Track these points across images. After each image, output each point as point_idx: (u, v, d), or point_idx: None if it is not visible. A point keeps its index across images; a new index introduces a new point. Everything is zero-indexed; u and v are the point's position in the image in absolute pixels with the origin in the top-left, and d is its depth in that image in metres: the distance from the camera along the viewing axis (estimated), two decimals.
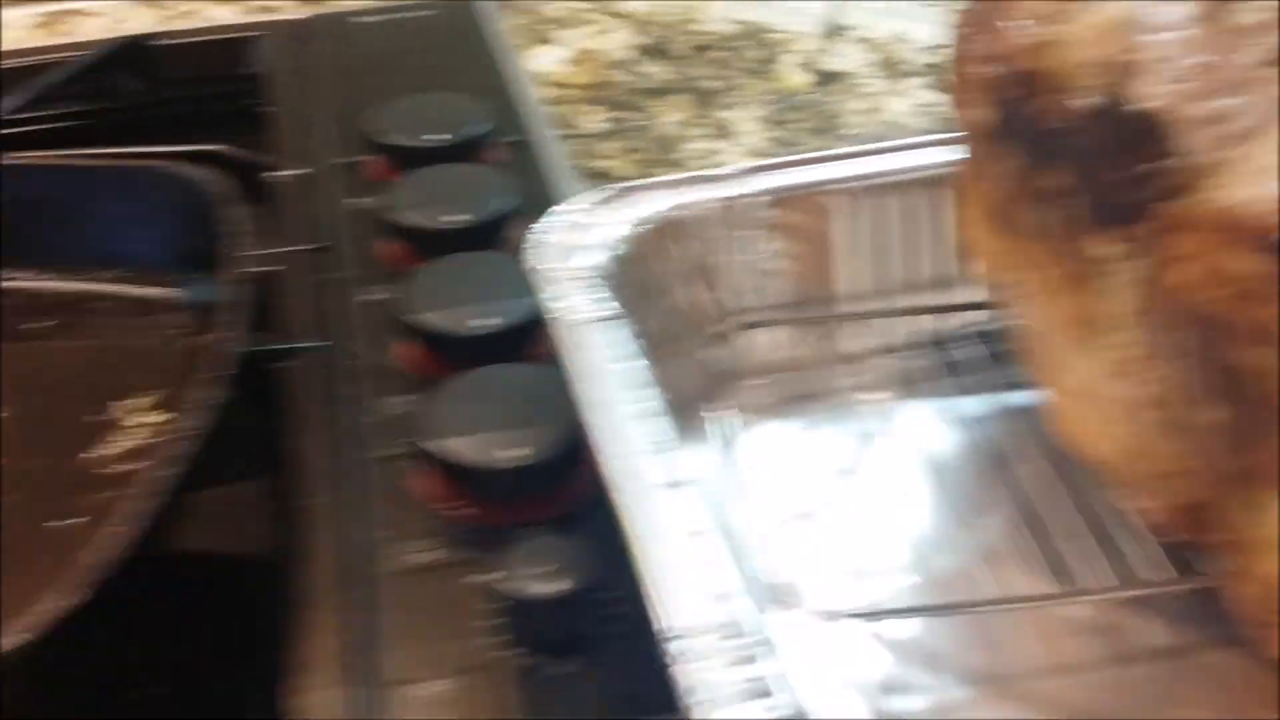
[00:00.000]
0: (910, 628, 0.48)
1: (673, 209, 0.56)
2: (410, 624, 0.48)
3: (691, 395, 0.56)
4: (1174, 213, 0.39)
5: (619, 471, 0.44)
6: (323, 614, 0.49)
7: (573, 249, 0.54)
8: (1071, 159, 0.43)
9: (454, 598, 0.49)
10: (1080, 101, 0.42)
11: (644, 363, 0.51)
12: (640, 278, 0.55)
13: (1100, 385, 0.44)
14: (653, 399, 0.49)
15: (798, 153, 0.70)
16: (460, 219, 0.65)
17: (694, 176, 0.57)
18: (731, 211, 0.56)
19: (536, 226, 0.55)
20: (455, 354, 0.58)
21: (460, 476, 0.52)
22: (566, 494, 0.52)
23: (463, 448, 0.52)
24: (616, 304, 0.52)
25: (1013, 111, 0.45)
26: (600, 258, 0.53)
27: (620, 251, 0.54)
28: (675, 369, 0.55)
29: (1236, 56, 0.39)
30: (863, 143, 0.71)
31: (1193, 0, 0.42)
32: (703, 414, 0.56)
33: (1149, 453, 0.44)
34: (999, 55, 0.45)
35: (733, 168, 0.57)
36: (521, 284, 0.60)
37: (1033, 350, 0.50)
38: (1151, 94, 0.40)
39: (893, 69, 0.83)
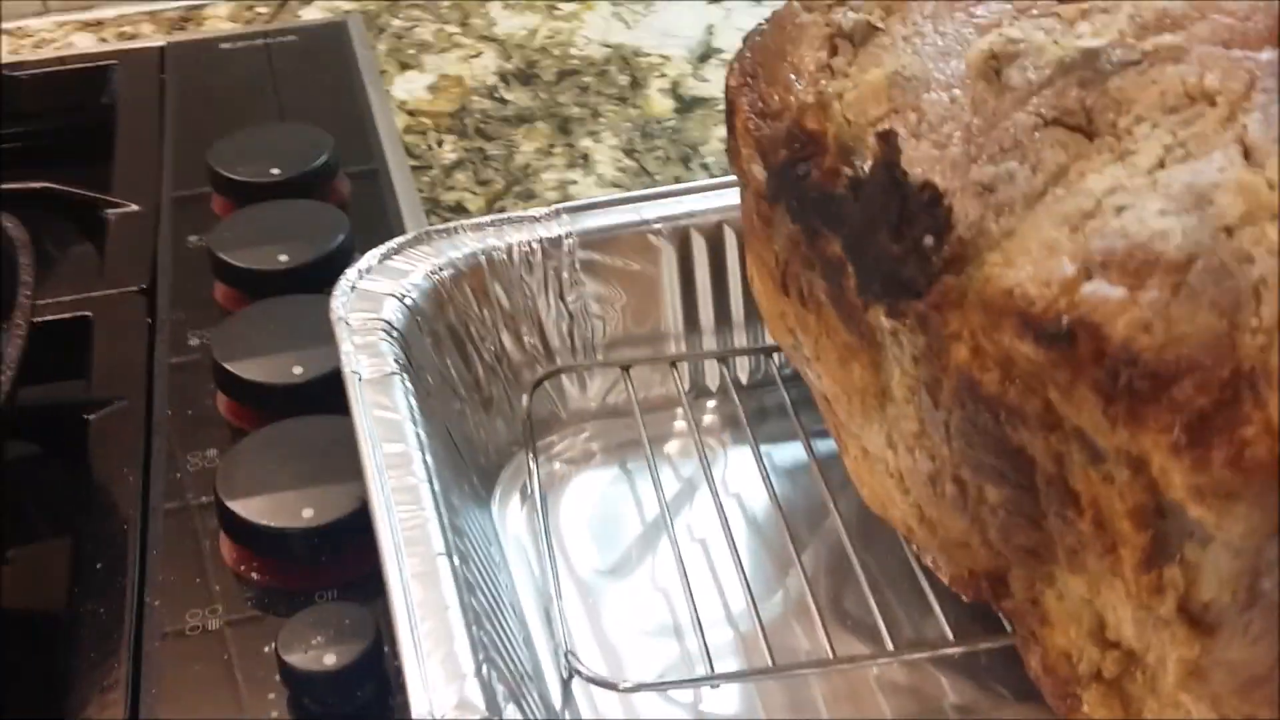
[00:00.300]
0: (714, 693, 0.46)
1: (482, 251, 0.54)
2: (190, 688, 0.47)
3: (500, 447, 0.54)
4: (948, 289, 0.36)
5: (392, 542, 0.43)
6: (101, 674, 0.47)
7: (378, 297, 0.52)
8: (842, 227, 0.40)
9: (236, 663, 0.47)
10: (849, 168, 0.39)
11: (441, 419, 0.50)
12: (445, 325, 0.53)
13: (886, 454, 0.42)
14: (443, 458, 0.47)
15: (617, 192, 0.69)
16: (285, 259, 0.63)
17: (505, 218, 0.55)
18: (542, 254, 0.54)
19: (347, 273, 0.53)
20: (266, 405, 0.56)
21: (253, 537, 0.50)
22: (363, 557, 0.50)
23: (254, 509, 0.50)
24: (415, 355, 0.50)
25: (782, 173, 0.42)
26: (401, 307, 0.51)
27: (422, 299, 0.52)
28: (482, 421, 0.54)
29: (1008, 120, 0.37)
30: (681, 181, 0.70)
31: (969, 58, 0.39)
32: (510, 467, 0.54)
33: (938, 522, 0.42)
34: (768, 112, 0.42)
35: (544, 210, 0.55)
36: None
37: (825, 410, 0.48)
38: (922, 160, 0.37)
39: None
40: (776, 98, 0.42)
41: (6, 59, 0.87)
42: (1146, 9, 0.37)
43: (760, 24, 0.47)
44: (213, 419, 0.58)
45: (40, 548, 0.58)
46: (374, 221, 0.70)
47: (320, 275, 0.63)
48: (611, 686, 0.45)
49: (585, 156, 0.76)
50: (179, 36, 0.90)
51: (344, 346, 0.49)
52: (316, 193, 0.70)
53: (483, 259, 0.54)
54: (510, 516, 0.53)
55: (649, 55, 0.87)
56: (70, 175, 0.74)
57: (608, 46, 0.88)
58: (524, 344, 0.55)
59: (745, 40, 0.47)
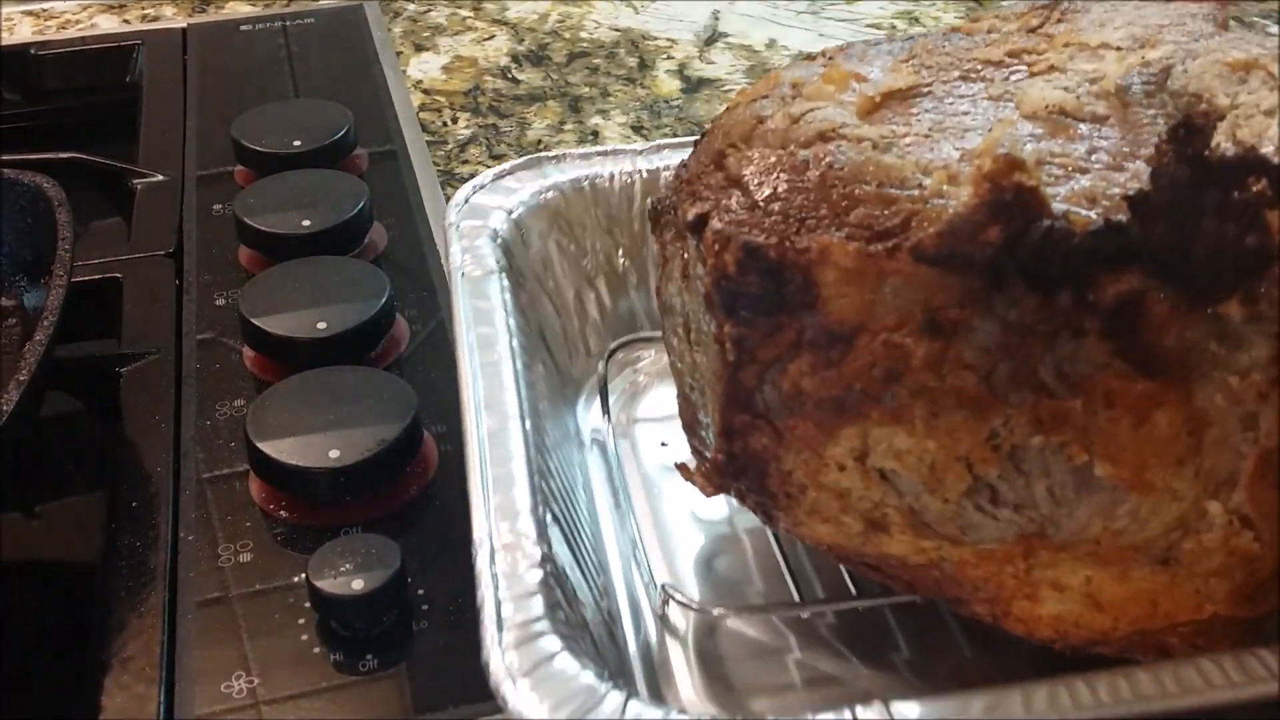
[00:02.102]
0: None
1: (585, 178, 0.58)
2: (223, 615, 0.49)
3: (588, 355, 0.59)
4: None
5: (473, 402, 0.47)
6: (138, 615, 0.49)
7: (487, 210, 0.57)
8: (1137, 252, 0.38)
9: (267, 592, 0.50)
10: (1109, 198, 0.39)
11: (536, 321, 0.55)
12: (546, 240, 0.58)
13: (1198, 509, 0.41)
14: (531, 349, 0.52)
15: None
16: (308, 224, 0.65)
17: (610, 150, 0.59)
18: (640, 184, 0.58)
19: (463, 188, 0.58)
20: (291, 358, 0.59)
21: (282, 477, 0.52)
22: (387, 497, 0.53)
23: (283, 450, 0.52)
24: (516, 262, 0.55)
25: (1007, 250, 0.38)
26: (507, 219, 0.56)
27: (527, 215, 0.57)
28: (573, 329, 0.58)
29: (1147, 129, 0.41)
30: None
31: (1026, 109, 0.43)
32: (595, 376, 0.58)
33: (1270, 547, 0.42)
34: (884, 231, 0.39)
35: (645, 144, 0.60)
36: (362, 288, 0.61)
37: (989, 573, 0.45)
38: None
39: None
40: (883, 213, 0.39)
41: (33, 39, 0.89)
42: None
43: (728, 200, 0.43)
44: (239, 373, 0.60)
45: (75, 501, 0.61)
46: (391, 191, 0.72)
47: (341, 239, 0.66)
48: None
49: (595, 133, 0.79)
50: (200, 18, 0.93)
51: (452, 249, 0.54)
52: (336, 164, 0.72)
53: (586, 185, 0.58)
54: (591, 419, 0.57)
55: (657, 39, 0.89)
56: (98, 151, 0.77)
57: (616, 30, 0.91)
58: (617, 265, 0.58)
59: (710, 217, 0.42)
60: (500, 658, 0.39)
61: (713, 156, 0.44)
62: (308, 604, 0.48)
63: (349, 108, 0.76)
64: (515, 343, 0.50)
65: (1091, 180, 0.39)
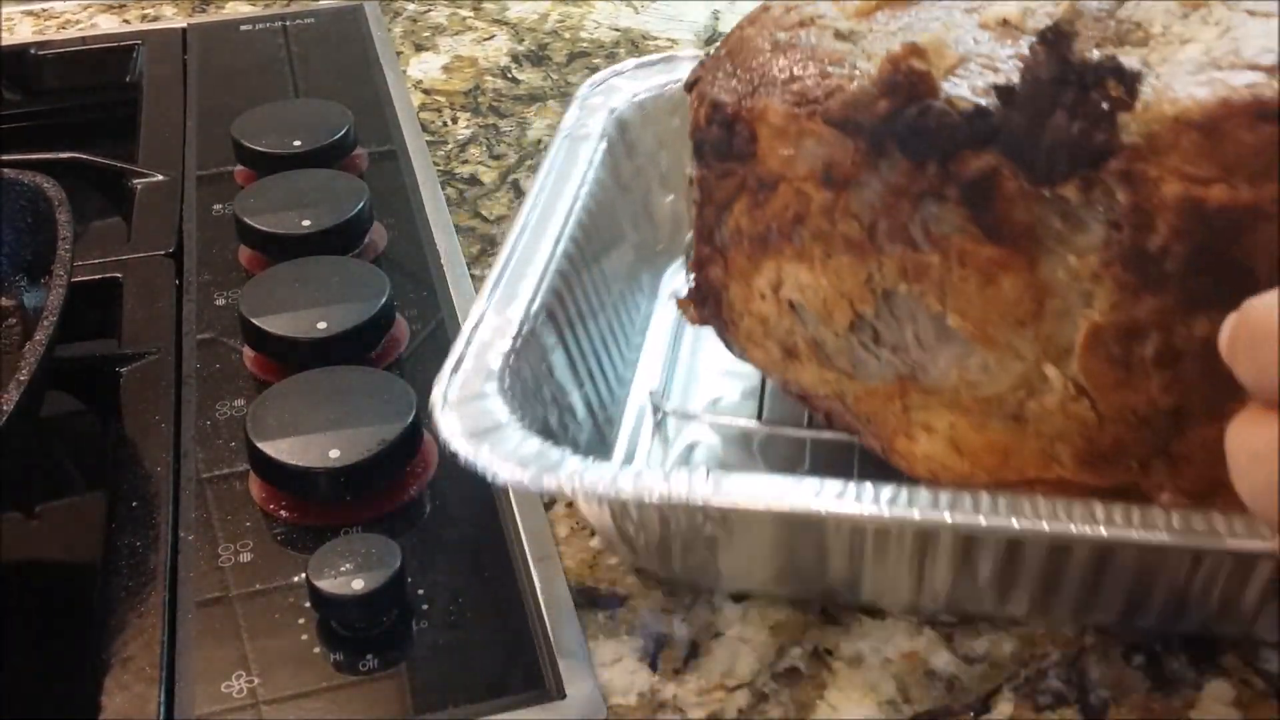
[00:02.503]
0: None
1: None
2: (223, 614, 0.49)
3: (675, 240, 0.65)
4: (1139, 144, 0.42)
5: (521, 223, 0.55)
6: (138, 615, 0.49)
7: (597, 107, 0.64)
8: (996, 135, 0.43)
9: (267, 592, 0.50)
10: (980, 86, 0.45)
11: (632, 192, 0.63)
12: (650, 133, 0.64)
13: (1032, 375, 0.46)
14: (607, 205, 0.60)
15: None
16: (308, 224, 0.65)
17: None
18: None
19: (581, 87, 0.65)
20: (291, 358, 0.59)
21: (282, 477, 0.53)
22: (387, 497, 0.53)
23: (284, 450, 0.52)
24: (621, 145, 0.63)
25: (889, 121, 0.45)
26: (611, 113, 0.63)
27: (628, 111, 0.64)
28: (664, 212, 0.65)
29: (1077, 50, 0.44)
30: None
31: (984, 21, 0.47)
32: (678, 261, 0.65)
33: (1105, 419, 0.45)
34: (813, 97, 0.47)
35: None
36: (362, 288, 0.61)
37: (879, 407, 0.50)
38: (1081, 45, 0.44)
39: None
40: (815, 84, 0.46)
41: (32, 39, 0.89)
42: None
43: (711, 61, 0.51)
44: (239, 373, 0.60)
45: (75, 501, 0.61)
46: (391, 191, 0.73)
47: (341, 239, 0.66)
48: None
49: None
50: (200, 18, 0.93)
51: (568, 115, 0.63)
52: (336, 164, 0.72)
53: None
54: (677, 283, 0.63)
55: (656, 39, 0.89)
56: (98, 150, 0.77)
57: (616, 30, 0.91)
58: None
59: (698, 79, 0.51)
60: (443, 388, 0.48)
61: (726, 37, 0.52)
62: (308, 604, 0.48)
63: (349, 107, 0.76)
64: (584, 190, 0.58)
65: (997, 77, 0.44)
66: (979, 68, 0.45)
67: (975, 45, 0.46)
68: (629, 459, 0.56)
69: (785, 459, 0.55)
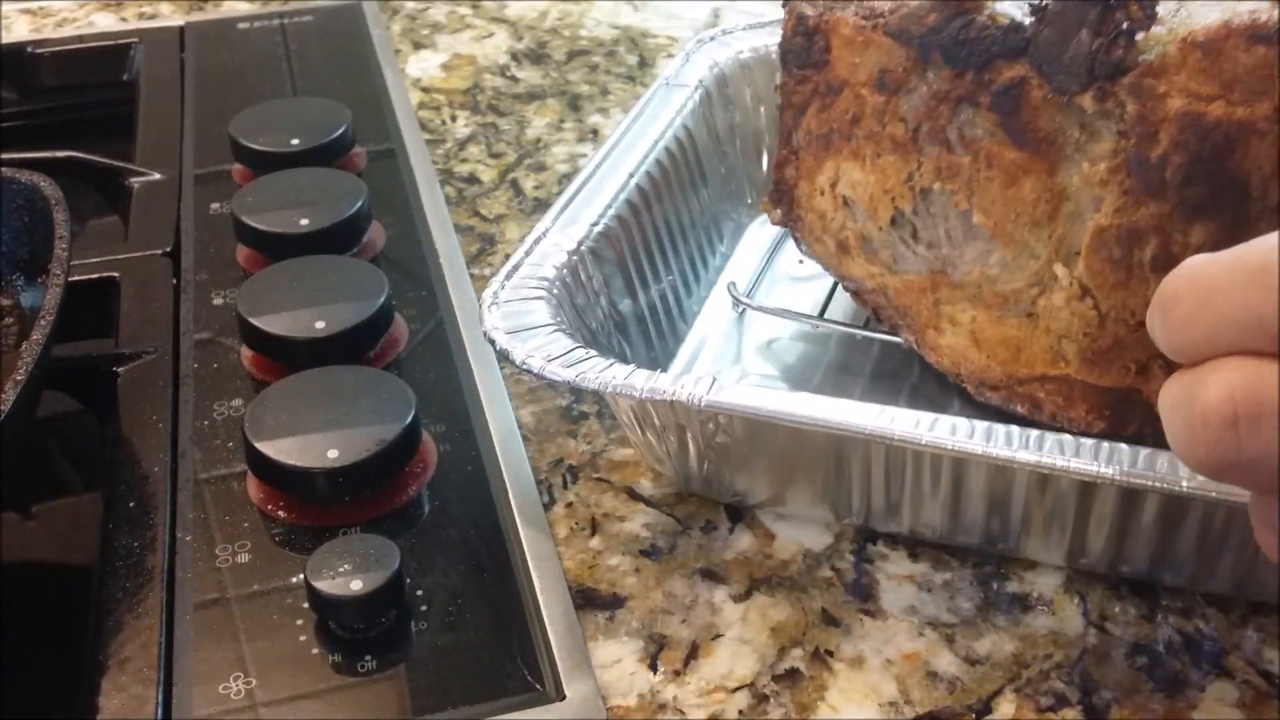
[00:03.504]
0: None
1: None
2: (220, 615, 0.49)
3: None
4: (1154, 61, 0.45)
5: (604, 151, 0.61)
6: (135, 616, 0.49)
7: (701, 62, 0.68)
8: (1028, 47, 0.47)
9: (265, 593, 0.49)
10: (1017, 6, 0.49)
11: (752, 134, 0.69)
12: (747, 89, 0.69)
13: (1044, 273, 0.49)
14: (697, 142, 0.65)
15: None
16: (306, 223, 0.65)
17: None
18: None
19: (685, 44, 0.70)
20: (290, 358, 0.58)
21: (280, 477, 0.52)
22: (386, 497, 0.53)
23: (282, 450, 0.52)
24: (720, 99, 0.68)
25: (936, 32, 0.49)
26: (716, 68, 0.68)
27: (728, 67, 0.69)
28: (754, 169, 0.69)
29: None
30: None
31: None
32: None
33: (1108, 318, 0.48)
34: (879, 12, 0.51)
35: None
36: (360, 287, 0.61)
37: (914, 301, 0.54)
38: None
39: None
40: (883, 1, 0.52)
41: (29, 37, 0.89)
42: None
43: None
44: (237, 372, 0.60)
45: (72, 501, 0.61)
46: (390, 190, 0.72)
47: (340, 238, 0.66)
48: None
49: (595, 131, 0.79)
50: (198, 16, 0.92)
51: (669, 65, 0.68)
52: (334, 163, 0.72)
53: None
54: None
55: (656, 36, 0.89)
56: (95, 149, 0.77)
57: (616, 28, 0.90)
58: None
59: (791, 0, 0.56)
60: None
61: None
62: (306, 605, 0.48)
63: (347, 106, 0.76)
64: (670, 133, 0.63)
65: None
66: None
67: None
68: (695, 358, 0.61)
69: (848, 363, 0.60)
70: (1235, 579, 0.48)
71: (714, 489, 0.53)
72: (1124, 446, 0.45)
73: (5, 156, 0.67)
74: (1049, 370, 0.49)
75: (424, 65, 0.87)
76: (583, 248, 0.56)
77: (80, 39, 0.89)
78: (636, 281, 0.60)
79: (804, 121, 0.55)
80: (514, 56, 0.87)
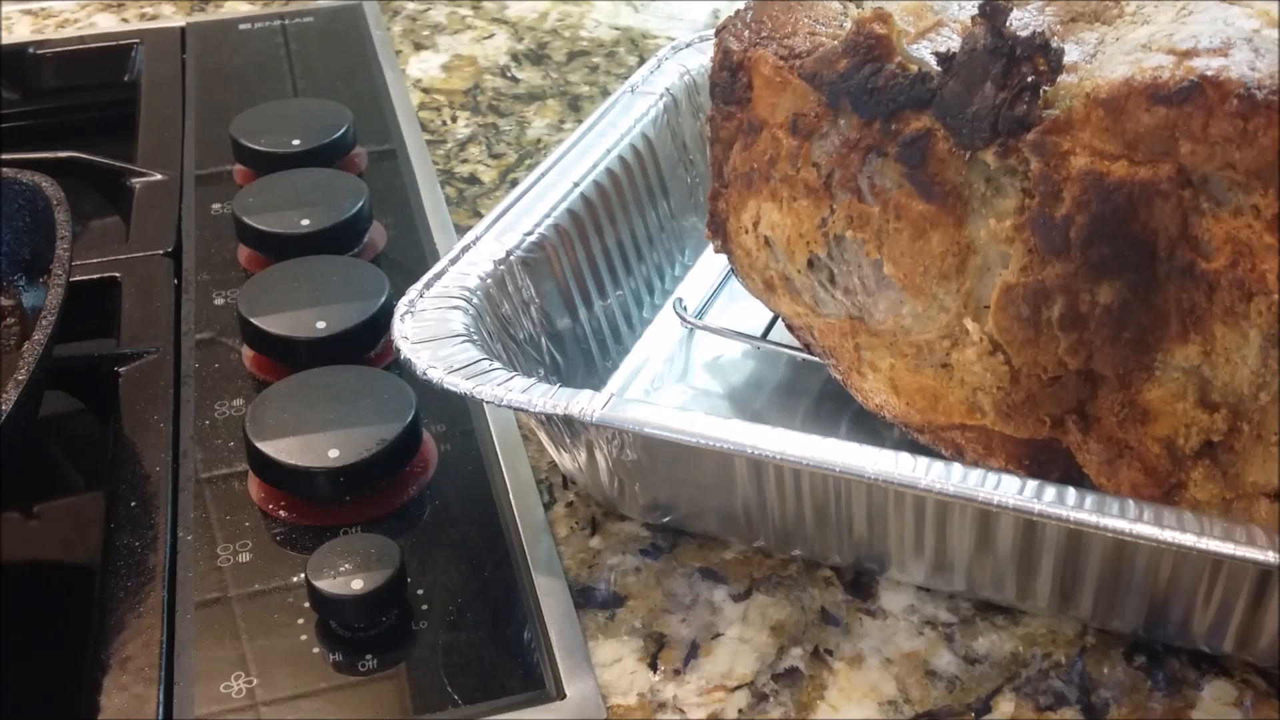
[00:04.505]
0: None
1: None
2: (221, 615, 0.49)
3: None
4: (1059, 118, 0.45)
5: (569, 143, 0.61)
6: (137, 615, 0.49)
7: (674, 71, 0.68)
8: (933, 99, 0.47)
9: (266, 592, 0.50)
10: (926, 55, 0.48)
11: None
12: None
13: (955, 327, 0.49)
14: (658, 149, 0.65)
15: None
16: (307, 223, 0.65)
17: None
18: None
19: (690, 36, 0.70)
20: (290, 358, 0.58)
21: (281, 477, 0.52)
22: (387, 497, 0.53)
23: (282, 449, 0.52)
24: (687, 108, 0.67)
25: (845, 78, 0.49)
26: (688, 76, 0.68)
27: (700, 75, 0.68)
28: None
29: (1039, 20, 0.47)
30: None
31: None
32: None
33: (1020, 374, 0.48)
34: (800, 53, 0.51)
35: None
36: (361, 287, 0.61)
37: (837, 345, 0.53)
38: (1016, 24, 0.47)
39: None
40: (804, 40, 0.51)
41: (31, 38, 0.89)
42: None
43: (740, 11, 0.54)
44: (238, 372, 0.60)
45: (74, 501, 0.61)
46: (390, 191, 0.72)
47: (340, 238, 0.66)
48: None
49: None
50: (199, 17, 0.92)
51: (639, 70, 0.67)
52: (335, 163, 0.72)
53: None
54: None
55: (656, 37, 0.89)
56: (96, 150, 0.77)
57: (616, 29, 0.90)
58: None
59: (724, 27, 0.55)
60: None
61: None
62: (307, 604, 0.48)
63: (348, 107, 0.76)
64: (626, 141, 0.62)
65: (955, 44, 0.48)
66: (950, 33, 0.49)
67: (957, 10, 0.50)
68: (637, 373, 0.60)
69: (796, 384, 0.59)
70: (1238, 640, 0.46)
71: (632, 508, 0.52)
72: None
73: (7, 157, 0.67)
74: (967, 420, 0.49)
75: (424, 66, 0.87)
76: (512, 257, 0.55)
77: (82, 40, 0.89)
78: (577, 294, 0.58)
79: (731, 156, 0.54)
80: (514, 57, 0.88)
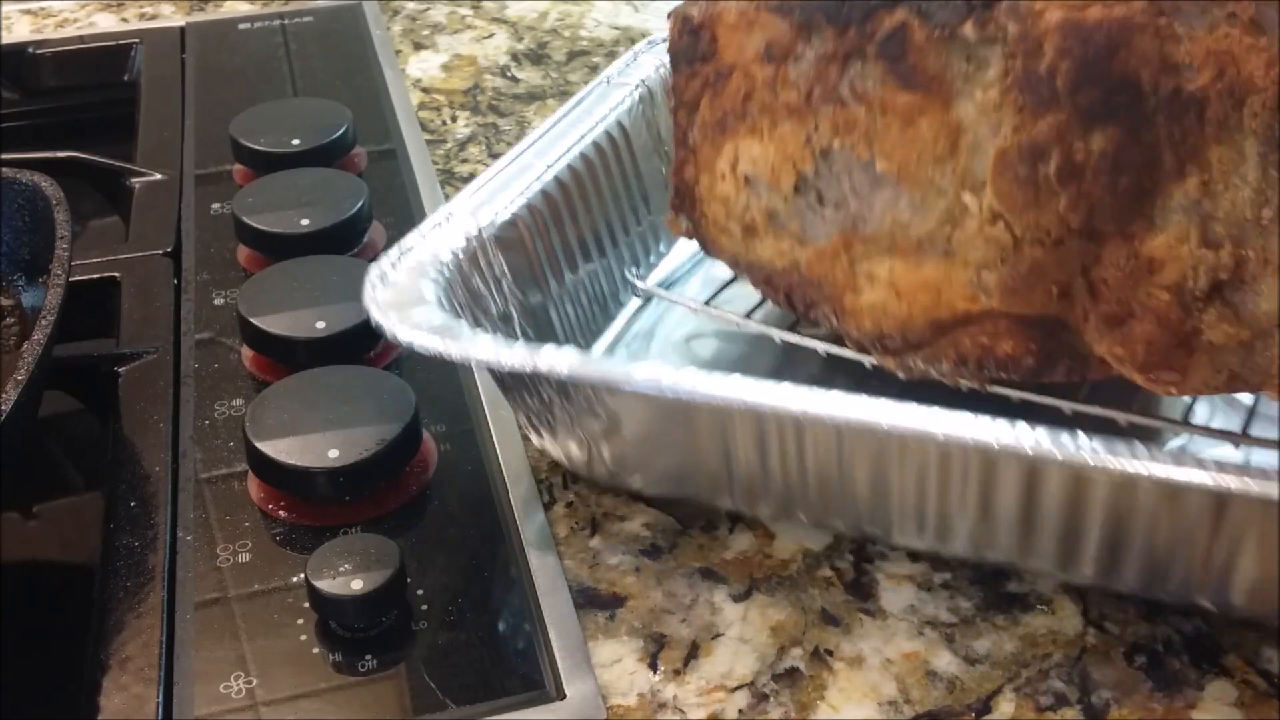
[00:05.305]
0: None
1: None
2: (221, 615, 0.49)
3: None
4: None
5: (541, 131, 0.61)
6: (136, 615, 0.49)
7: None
8: None
9: (266, 592, 0.50)
10: None
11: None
12: None
13: (954, 208, 0.49)
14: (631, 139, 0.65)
15: None
16: (307, 223, 0.65)
17: None
18: None
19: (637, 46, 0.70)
20: (290, 358, 0.58)
21: (281, 477, 0.52)
22: (387, 497, 0.53)
23: (282, 449, 0.52)
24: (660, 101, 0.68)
25: None
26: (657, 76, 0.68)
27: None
28: None
29: None
30: None
31: None
32: None
33: (1022, 241, 0.48)
34: None
35: None
36: (361, 287, 0.61)
37: (828, 266, 0.54)
38: None
39: None
40: None
41: (29, 38, 0.89)
42: None
43: None
44: (238, 372, 0.60)
45: (73, 501, 0.61)
46: (390, 190, 0.72)
47: (340, 238, 0.66)
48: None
49: None
50: (199, 17, 0.92)
51: (614, 64, 0.68)
52: (335, 163, 0.72)
53: None
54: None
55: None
56: (96, 149, 0.77)
57: (616, 29, 0.90)
58: None
59: (675, 10, 0.56)
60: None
61: None
62: (307, 604, 0.48)
63: (348, 106, 0.76)
64: (599, 129, 0.63)
65: None
66: None
67: None
68: (609, 351, 0.61)
69: (771, 366, 0.60)
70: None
71: (599, 472, 0.54)
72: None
73: (6, 157, 0.67)
74: (971, 307, 0.49)
75: (424, 66, 0.87)
76: (485, 234, 0.56)
77: (81, 39, 0.89)
78: (549, 272, 0.59)
79: (697, 117, 0.55)
80: (514, 57, 0.88)
